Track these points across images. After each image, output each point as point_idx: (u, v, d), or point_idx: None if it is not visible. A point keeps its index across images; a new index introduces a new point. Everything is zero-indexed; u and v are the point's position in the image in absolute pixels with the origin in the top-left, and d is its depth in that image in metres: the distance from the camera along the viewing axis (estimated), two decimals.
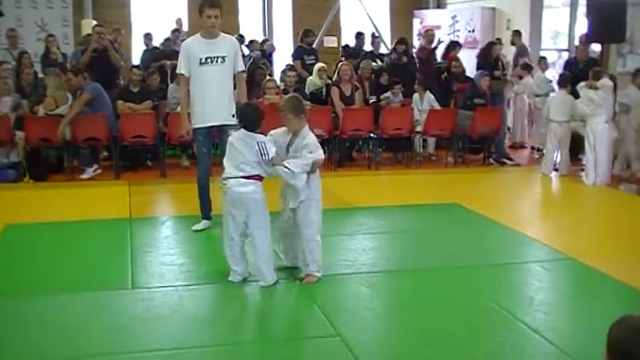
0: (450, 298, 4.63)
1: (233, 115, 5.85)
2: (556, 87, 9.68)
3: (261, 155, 4.55)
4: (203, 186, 6.22)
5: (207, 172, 6.23)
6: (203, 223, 6.22)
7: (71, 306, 4.42)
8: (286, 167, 4.56)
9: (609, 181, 8.55)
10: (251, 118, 4.73)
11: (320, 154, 4.78)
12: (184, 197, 7.60)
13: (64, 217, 6.63)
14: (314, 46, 11.88)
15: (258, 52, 12.29)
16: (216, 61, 5.88)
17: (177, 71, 6.09)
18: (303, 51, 11.30)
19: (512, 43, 11.85)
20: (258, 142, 4.56)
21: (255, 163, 4.58)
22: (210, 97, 5.93)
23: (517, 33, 11.90)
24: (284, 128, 4.83)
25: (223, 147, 5.48)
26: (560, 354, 3.76)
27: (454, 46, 11.71)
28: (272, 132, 4.87)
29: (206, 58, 5.86)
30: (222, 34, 6.05)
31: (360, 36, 12.18)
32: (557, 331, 4.08)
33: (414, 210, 7.12)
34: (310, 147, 4.71)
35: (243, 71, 6.36)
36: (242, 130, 4.68)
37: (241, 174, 4.57)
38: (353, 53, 11.69)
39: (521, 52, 11.71)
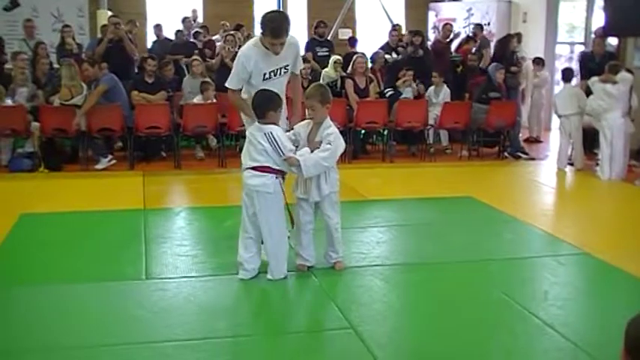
0: (463, 291, 4.61)
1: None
2: (561, 82, 9.59)
3: (272, 147, 4.52)
4: None
5: None
6: None
7: (85, 295, 4.44)
8: (300, 164, 4.52)
9: (625, 176, 8.49)
10: (259, 103, 4.61)
11: (341, 145, 4.75)
12: (199, 188, 7.64)
13: (79, 207, 6.67)
14: (328, 38, 11.85)
15: None
16: (281, 73, 5.05)
17: (231, 86, 5.06)
18: (316, 43, 11.27)
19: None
20: (265, 133, 4.50)
21: (266, 154, 4.54)
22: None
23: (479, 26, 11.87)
24: (307, 121, 4.79)
25: None
26: (574, 349, 3.74)
27: (468, 40, 11.65)
28: (295, 126, 4.83)
29: (270, 72, 4.98)
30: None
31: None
32: (571, 326, 4.05)
33: (428, 203, 7.10)
34: (332, 137, 4.67)
35: (299, 73, 5.54)
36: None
37: (255, 164, 4.55)
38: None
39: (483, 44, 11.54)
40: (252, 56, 4.90)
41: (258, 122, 4.59)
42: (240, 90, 5.07)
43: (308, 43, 11.54)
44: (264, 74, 4.94)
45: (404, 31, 12.10)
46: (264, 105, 4.58)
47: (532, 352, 3.78)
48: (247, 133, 4.71)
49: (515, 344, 3.86)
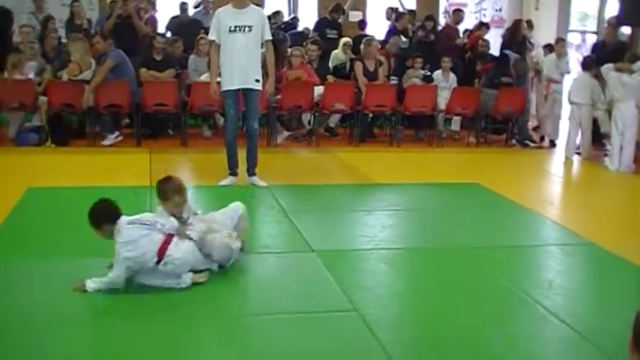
0: (468, 278, 4.60)
1: (257, 81, 6.51)
2: (579, 69, 9.50)
3: None
4: (230, 144, 6.76)
5: (235, 131, 6.77)
6: (229, 179, 6.77)
7: (89, 270, 4.42)
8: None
9: (633, 167, 8.44)
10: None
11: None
12: (205, 167, 7.62)
13: (85, 182, 6.66)
14: (339, 21, 11.78)
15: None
16: (244, 30, 6.39)
17: (209, 37, 6.66)
18: (326, 23, 11.21)
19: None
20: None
21: None
22: (238, 62, 6.43)
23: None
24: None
25: (247, 109, 6.65)
26: (578, 338, 3.73)
27: (480, 26, 11.56)
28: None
29: (235, 27, 6.38)
30: (252, 5, 6.58)
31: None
32: (575, 315, 4.04)
33: (435, 188, 7.08)
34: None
35: (270, 40, 6.67)
36: None
37: None
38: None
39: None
40: (222, 12, 6.48)
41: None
42: (219, 46, 6.45)
43: (317, 23, 11.48)
44: (230, 27, 6.35)
45: (416, 17, 11.98)
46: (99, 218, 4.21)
47: (536, 341, 3.76)
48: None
49: (518, 332, 3.85)
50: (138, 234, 4.07)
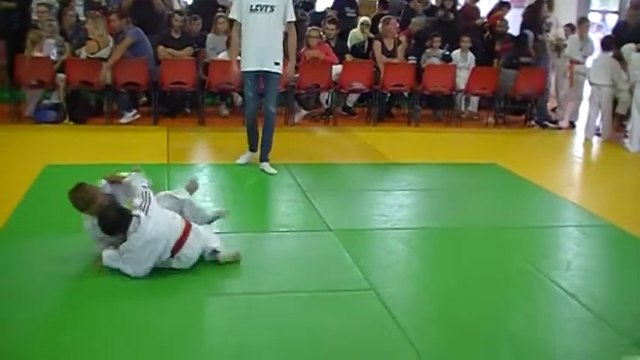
0: (486, 258, 4.59)
1: (277, 64, 6.29)
2: (600, 50, 9.35)
3: None
4: (250, 127, 6.64)
5: (254, 114, 6.55)
6: (247, 155, 6.69)
7: None
8: None
9: None
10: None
11: None
12: (222, 145, 7.63)
13: (103, 159, 6.68)
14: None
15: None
16: (266, 10, 6.19)
17: (230, 16, 6.55)
18: (345, 2, 11.12)
19: None
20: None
21: None
22: (258, 43, 6.25)
23: None
24: None
25: (267, 92, 6.42)
26: (595, 320, 3.72)
27: (501, 6, 11.41)
28: None
29: (256, 6, 6.18)
30: None
31: None
32: (593, 296, 4.02)
33: (453, 168, 7.05)
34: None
35: (293, 22, 6.47)
36: None
37: None
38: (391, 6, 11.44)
39: None
40: None
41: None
42: (240, 25, 6.28)
43: (336, 1, 11.40)
44: (251, 6, 6.16)
45: None
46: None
47: (553, 321, 3.76)
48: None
49: (536, 313, 3.84)
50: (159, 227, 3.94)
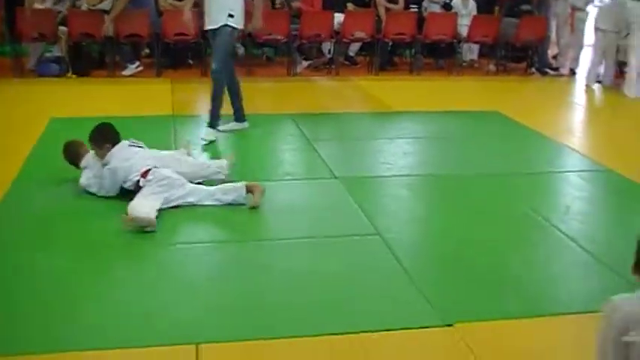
0: (487, 203, 4.70)
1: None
2: None
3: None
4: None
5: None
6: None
7: (111, 200, 4.53)
8: None
9: None
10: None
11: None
12: (225, 97, 7.66)
13: (108, 112, 6.71)
14: None
15: None
16: None
17: None
18: None
19: None
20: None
21: None
22: None
23: None
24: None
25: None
26: (594, 262, 3.84)
27: None
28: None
29: None
30: None
31: None
32: (592, 239, 4.13)
33: (455, 116, 7.12)
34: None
35: None
36: None
37: None
38: None
39: None
40: None
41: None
42: None
43: None
44: None
45: None
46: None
47: (553, 264, 3.88)
48: None
49: (536, 256, 3.96)
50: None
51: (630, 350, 2.13)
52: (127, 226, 3.98)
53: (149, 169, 4.35)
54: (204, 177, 4.68)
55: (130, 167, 4.40)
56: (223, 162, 4.86)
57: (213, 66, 5.96)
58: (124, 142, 4.59)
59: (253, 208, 4.36)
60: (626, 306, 2.15)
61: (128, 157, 4.48)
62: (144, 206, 4.10)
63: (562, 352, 2.99)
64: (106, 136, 4.58)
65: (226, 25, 5.81)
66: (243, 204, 4.39)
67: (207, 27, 6.00)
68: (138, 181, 4.33)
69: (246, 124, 6.29)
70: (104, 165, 4.48)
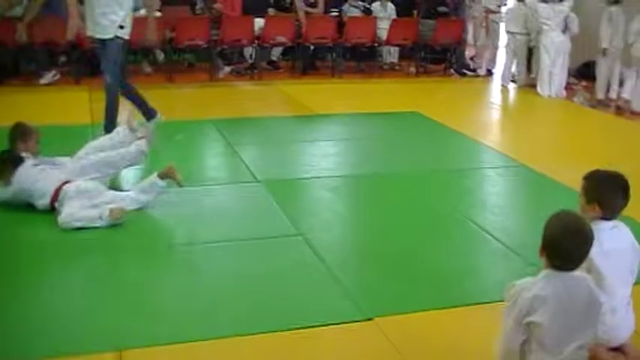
0: (407, 200, 4.82)
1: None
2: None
3: None
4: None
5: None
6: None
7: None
8: None
9: (564, 92, 8.77)
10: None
11: None
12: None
13: (24, 121, 6.57)
14: None
15: None
16: None
17: None
18: None
19: None
20: None
21: None
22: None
23: None
24: None
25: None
26: (506, 250, 4.02)
27: None
28: None
29: None
30: None
31: None
32: (505, 230, 4.32)
33: (376, 118, 7.26)
34: None
35: None
36: None
37: None
38: None
39: None
40: None
41: None
42: None
43: None
44: None
45: None
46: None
47: (469, 254, 4.05)
48: None
49: (453, 247, 4.12)
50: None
51: (532, 330, 2.26)
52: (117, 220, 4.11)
53: (60, 188, 4.29)
54: (112, 147, 4.78)
55: (36, 190, 4.32)
56: (119, 128, 4.99)
57: (108, 80, 5.71)
58: (27, 163, 4.44)
59: (181, 186, 4.53)
60: (527, 289, 2.28)
61: (34, 179, 4.36)
62: (80, 211, 4.15)
63: (479, 341, 3.09)
64: (3, 168, 4.42)
65: (117, 37, 5.56)
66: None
67: (95, 35, 5.65)
68: (53, 202, 4.28)
69: (159, 115, 6.13)
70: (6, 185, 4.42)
